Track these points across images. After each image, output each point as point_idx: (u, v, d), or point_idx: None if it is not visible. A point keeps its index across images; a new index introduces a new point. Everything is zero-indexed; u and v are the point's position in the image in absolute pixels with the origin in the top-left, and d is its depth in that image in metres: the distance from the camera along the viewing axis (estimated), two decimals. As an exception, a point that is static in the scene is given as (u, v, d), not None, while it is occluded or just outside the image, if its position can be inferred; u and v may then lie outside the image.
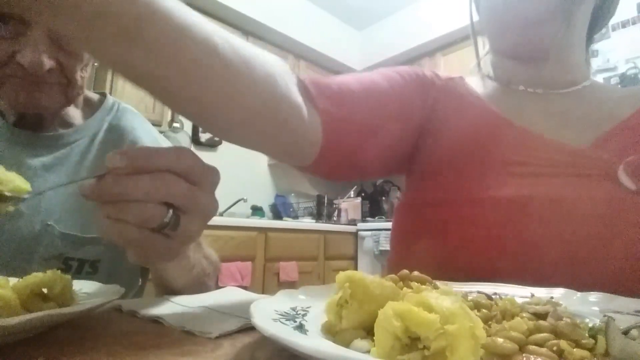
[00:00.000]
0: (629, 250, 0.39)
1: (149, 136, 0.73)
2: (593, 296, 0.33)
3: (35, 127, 0.64)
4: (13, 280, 0.33)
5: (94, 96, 0.76)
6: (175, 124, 2.71)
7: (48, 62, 0.55)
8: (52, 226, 0.60)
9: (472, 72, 0.64)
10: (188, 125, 2.83)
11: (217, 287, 0.58)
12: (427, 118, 0.55)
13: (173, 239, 0.32)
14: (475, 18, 0.62)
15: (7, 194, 0.32)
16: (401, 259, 0.56)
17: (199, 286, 0.54)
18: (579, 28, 0.54)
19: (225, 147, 2.98)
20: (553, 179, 0.44)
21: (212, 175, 0.33)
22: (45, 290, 0.32)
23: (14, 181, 0.32)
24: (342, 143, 0.48)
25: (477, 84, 0.60)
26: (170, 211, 0.30)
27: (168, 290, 0.51)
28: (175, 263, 0.47)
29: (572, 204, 0.42)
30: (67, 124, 0.68)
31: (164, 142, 0.75)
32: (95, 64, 0.67)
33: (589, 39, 0.58)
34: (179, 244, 0.33)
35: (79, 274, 0.62)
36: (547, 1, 0.49)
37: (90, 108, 0.73)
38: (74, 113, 0.70)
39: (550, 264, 0.41)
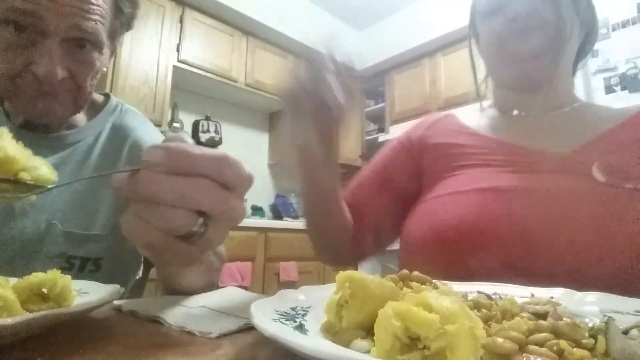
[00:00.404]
0: (596, 226, 0.45)
1: (151, 136, 0.74)
2: (593, 296, 0.33)
3: (42, 129, 0.65)
4: (13, 280, 0.33)
5: (98, 97, 0.76)
6: (175, 124, 2.71)
7: (61, 73, 0.55)
8: (55, 225, 0.61)
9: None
10: (188, 125, 2.83)
11: (217, 287, 0.58)
12: (420, 163, 0.67)
13: (195, 246, 0.30)
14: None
15: (30, 182, 0.29)
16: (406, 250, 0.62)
17: (208, 287, 0.53)
18: (567, 62, 0.62)
19: (225, 147, 2.98)
20: (535, 175, 0.52)
21: (247, 183, 0.31)
22: (45, 290, 0.32)
23: (39, 168, 0.30)
24: (363, 220, 0.65)
25: (470, 116, 0.69)
26: (201, 220, 0.28)
27: (175, 292, 0.50)
28: (192, 268, 0.46)
29: (550, 192, 0.49)
30: (72, 125, 0.69)
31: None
32: (104, 69, 0.67)
33: (574, 69, 0.67)
34: (201, 251, 0.31)
35: (81, 272, 0.62)
36: (540, 41, 0.57)
37: (94, 109, 0.73)
38: (79, 115, 0.70)
39: (529, 235, 0.47)
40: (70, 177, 0.65)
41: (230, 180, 0.29)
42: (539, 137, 0.58)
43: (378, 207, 0.66)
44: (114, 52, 0.70)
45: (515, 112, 0.65)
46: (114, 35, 0.66)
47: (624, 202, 0.45)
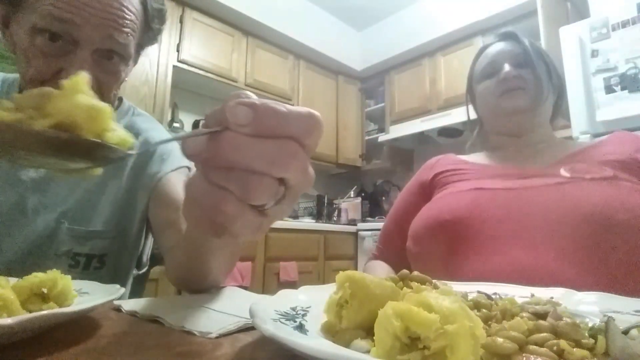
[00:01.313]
0: (561, 205, 0.58)
1: (162, 137, 0.75)
2: (593, 296, 0.33)
3: None
4: (13, 280, 0.33)
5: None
6: (175, 124, 2.71)
7: (89, 83, 0.55)
8: (63, 222, 0.62)
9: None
10: (188, 125, 2.83)
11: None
12: (431, 180, 0.81)
13: (266, 216, 0.26)
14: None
15: (112, 145, 0.25)
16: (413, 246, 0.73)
17: (230, 265, 0.52)
18: (545, 115, 0.79)
19: (225, 147, 2.98)
20: (514, 180, 0.66)
21: (316, 146, 0.26)
22: (45, 290, 0.32)
23: (117, 130, 0.26)
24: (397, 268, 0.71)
25: (463, 154, 0.86)
26: (283, 188, 0.25)
27: (195, 281, 0.49)
28: (226, 248, 0.43)
29: (527, 188, 0.63)
30: None
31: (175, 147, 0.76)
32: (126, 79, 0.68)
33: (554, 117, 0.84)
34: (271, 222, 0.28)
35: (87, 270, 0.63)
36: (524, 100, 0.74)
37: None
38: None
39: (509, 215, 0.60)
40: (79, 180, 0.65)
41: (313, 144, 0.25)
42: (521, 160, 0.74)
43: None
44: (136, 63, 0.72)
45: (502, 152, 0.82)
46: (140, 49, 0.67)
47: (583, 187, 0.58)
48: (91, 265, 0.63)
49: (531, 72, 0.76)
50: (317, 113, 0.25)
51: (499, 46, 0.81)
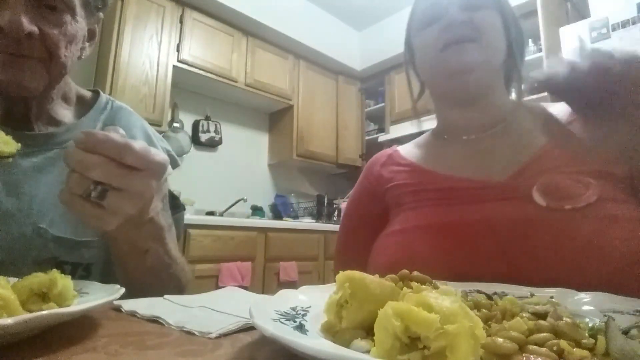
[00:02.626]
0: (543, 256, 0.45)
1: (143, 133, 0.71)
2: (592, 296, 0.33)
3: (22, 123, 0.60)
4: (13, 280, 0.33)
5: (86, 93, 0.72)
6: (175, 124, 2.71)
7: (28, 26, 0.51)
8: (45, 229, 0.58)
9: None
10: (188, 125, 2.83)
11: (183, 291, 0.59)
12: (383, 200, 0.69)
13: (104, 209, 0.40)
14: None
15: None
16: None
17: (155, 279, 0.54)
18: (498, 74, 0.63)
19: (225, 147, 2.98)
20: (477, 205, 0.53)
21: (157, 167, 0.42)
22: (45, 290, 0.32)
23: None
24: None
25: (410, 149, 0.73)
26: (99, 187, 0.39)
27: (126, 278, 0.53)
28: (132, 258, 0.52)
29: (493, 223, 0.50)
30: (57, 122, 0.65)
31: (158, 140, 0.73)
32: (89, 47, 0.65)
33: (508, 82, 0.67)
34: (111, 214, 0.41)
35: (72, 277, 0.60)
36: (474, 56, 0.57)
37: (82, 106, 0.70)
38: (65, 112, 0.67)
39: (474, 277, 0.43)
40: (58, 180, 0.60)
41: (133, 163, 0.40)
42: (478, 164, 0.59)
43: (367, 253, 0.66)
44: (93, 38, 0.67)
45: (455, 135, 0.67)
46: (88, 6, 0.62)
47: (563, 226, 0.46)
48: (77, 273, 0.60)
49: (485, 16, 0.58)
50: (137, 143, 0.41)
51: None
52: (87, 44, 0.66)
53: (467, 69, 0.58)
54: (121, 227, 0.43)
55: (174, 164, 0.69)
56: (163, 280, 0.56)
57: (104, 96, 0.73)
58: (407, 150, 0.73)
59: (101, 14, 0.67)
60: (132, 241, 0.50)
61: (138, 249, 0.51)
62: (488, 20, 0.59)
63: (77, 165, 0.38)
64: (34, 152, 0.60)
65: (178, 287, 0.59)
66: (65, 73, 0.61)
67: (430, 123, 0.74)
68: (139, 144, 0.41)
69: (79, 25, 0.59)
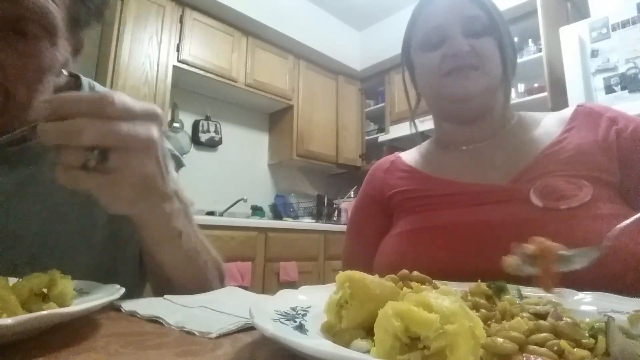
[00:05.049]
0: None
1: None
2: (593, 296, 0.33)
3: None
4: (13, 280, 0.33)
5: (63, 79, 0.55)
6: (175, 124, 2.71)
7: None
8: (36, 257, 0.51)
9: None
10: (188, 125, 2.83)
11: (211, 287, 0.57)
12: (387, 208, 0.70)
13: (112, 174, 0.33)
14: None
15: None
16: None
17: (198, 277, 0.51)
18: (497, 95, 0.65)
19: (225, 147, 2.98)
20: (477, 207, 0.55)
21: (144, 110, 0.35)
22: (45, 290, 0.32)
23: None
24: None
25: (412, 156, 0.74)
26: (95, 151, 0.32)
27: (164, 281, 0.49)
28: (167, 242, 0.46)
29: (493, 224, 0.52)
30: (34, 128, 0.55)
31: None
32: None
33: (506, 95, 0.67)
34: (122, 177, 0.34)
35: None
36: (476, 83, 0.59)
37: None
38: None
39: (472, 275, 0.43)
40: (43, 199, 0.52)
41: (117, 113, 0.32)
42: (478, 171, 0.61)
43: (373, 258, 0.67)
44: (79, 51, 0.53)
45: (455, 145, 0.68)
46: (77, 25, 0.50)
47: (559, 224, 0.47)
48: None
49: (486, 43, 0.59)
50: (112, 92, 0.33)
51: (445, 2, 0.62)
52: (70, 58, 0.53)
53: (469, 95, 0.60)
54: (143, 198, 0.37)
55: (179, 165, 0.67)
56: (201, 269, 0.51)
57: (84, 80, 0.61)
58: (409, 157, 0.74)
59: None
60: (164, 221, 0.43)
61: (171, 231, 0.45)
62: (489, 48, 0.60)
63: (61, 137, 0.31)
64: (8, 169, 0.53)
65: (219, 276, 0.56)
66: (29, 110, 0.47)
67: (429, 123, 0.74)
68: (117, 94, 0.33)
69: (58, 51, 0.48)
